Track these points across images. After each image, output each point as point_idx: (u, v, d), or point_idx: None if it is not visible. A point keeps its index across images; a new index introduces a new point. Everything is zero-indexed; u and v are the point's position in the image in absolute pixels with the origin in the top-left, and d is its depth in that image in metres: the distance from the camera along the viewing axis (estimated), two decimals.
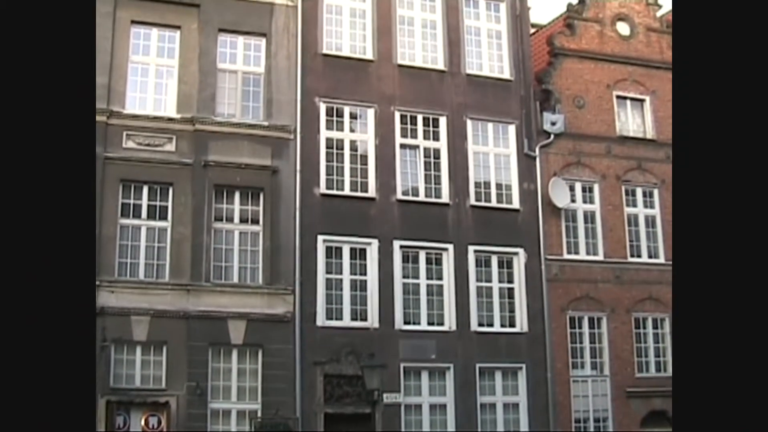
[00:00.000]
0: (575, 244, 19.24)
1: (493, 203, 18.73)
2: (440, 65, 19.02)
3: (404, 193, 18.04)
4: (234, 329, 16.16)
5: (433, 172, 18.37)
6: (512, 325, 18.26)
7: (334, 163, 17.65)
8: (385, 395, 16.26)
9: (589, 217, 19.57)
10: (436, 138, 18.57)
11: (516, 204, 18.85)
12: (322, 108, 17.79)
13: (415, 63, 18.87)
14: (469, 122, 18.86)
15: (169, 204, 16.47)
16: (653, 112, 20.74)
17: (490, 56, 19.63)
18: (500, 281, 18.43)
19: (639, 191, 20.23)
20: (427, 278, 17.83)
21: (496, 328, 18.12)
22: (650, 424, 18.65)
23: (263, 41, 17.78)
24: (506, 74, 19.53)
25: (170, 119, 16.72)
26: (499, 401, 17.83)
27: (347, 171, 17.74)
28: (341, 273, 17.18)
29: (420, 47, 19.06)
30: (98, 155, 15.21)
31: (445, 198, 18.28)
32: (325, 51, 18.17)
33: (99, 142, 15.28)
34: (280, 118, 17.42)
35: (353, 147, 17.98)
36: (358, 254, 17.41)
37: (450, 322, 17.65)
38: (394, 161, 18.02)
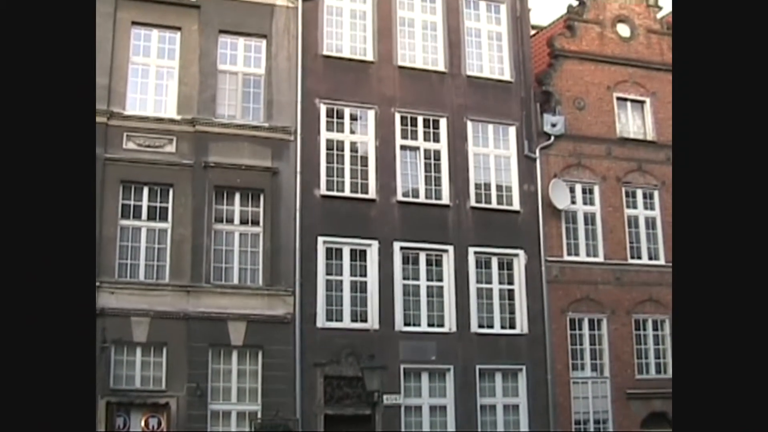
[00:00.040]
0: (575, 245, 19.24)
1: (494, 205, 18.73)
2: (440, 67, 19.02)
3: (404, 194, 18.04)
4: (234, 330, 16.16)
5: (433, 174, 18.37)
6: (512, 326, 18.25)
7: (335, 165, 17.65)
8: (385, 396, 16.23)
9: (589, 219, 19.56)
10: (437, 139, 18.57)
11: (516, 205, 18.85)
12: (323, 109, 17.79)
13: (415, 64, 18.87)
14: (469, 124, 18.86)
15: (170, 205, 16.47)
16: (653, 114, 20.74)
17: (490, 58, 19.63)
18: (500, 283, 18.43)
19: (639, 193, 20.21)
20: (428, 280, 17.83)
21: (497, 329, 18.11)
22: (650, 425, 18.63)
23: (264, 42, 17.78)
24: (506, 76, 19.53)
25: (171, 120, 16.72)
26: (499, 403, 17.83)
27: (347, 172, 17.75)
28: (341, 274, 17.19)
29: (420, 49, 19.06)
30: (98, 156, 15.20)
31: (445, 199, 18.28)
32: (325, 52, 18.17)
33: (99, 143, 15.29)
34: (281, 120, 17.43)
35: (353, 148, 17.98)
36: (359, 255, 17.41)
37: (450, 324, 17.65)
38: (394, 162, 18.02)
